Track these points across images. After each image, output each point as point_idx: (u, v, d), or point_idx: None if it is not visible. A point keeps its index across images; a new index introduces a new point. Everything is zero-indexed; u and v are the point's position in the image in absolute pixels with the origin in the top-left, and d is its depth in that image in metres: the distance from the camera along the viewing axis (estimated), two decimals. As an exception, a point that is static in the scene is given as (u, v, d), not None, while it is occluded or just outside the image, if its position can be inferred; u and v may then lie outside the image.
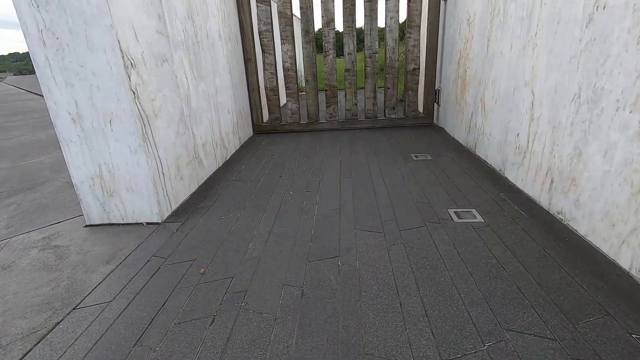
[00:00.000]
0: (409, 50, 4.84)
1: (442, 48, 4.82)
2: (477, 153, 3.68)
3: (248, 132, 5.05)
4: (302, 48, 4.99)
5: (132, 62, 2.32)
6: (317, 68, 5.05)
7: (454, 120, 4.40)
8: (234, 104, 4.41)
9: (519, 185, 2.81)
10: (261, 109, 5.23)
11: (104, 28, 2.16)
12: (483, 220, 2.37)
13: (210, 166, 3.56)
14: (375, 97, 5.09)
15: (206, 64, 3.55)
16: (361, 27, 4.92)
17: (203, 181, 3.38)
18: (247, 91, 5.01)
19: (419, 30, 4.74)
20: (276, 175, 3.48)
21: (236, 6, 4.62)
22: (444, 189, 2.91)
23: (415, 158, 3.74)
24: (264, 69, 4.97)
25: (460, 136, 4.22)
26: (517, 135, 2.82)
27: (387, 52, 4.87)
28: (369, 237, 2.26)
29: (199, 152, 3.30)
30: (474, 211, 2.51)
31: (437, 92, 5.04)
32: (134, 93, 2.33)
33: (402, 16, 5.07)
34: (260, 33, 4.78)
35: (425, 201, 2.72)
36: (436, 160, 3.65)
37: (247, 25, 4.72)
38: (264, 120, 5.39)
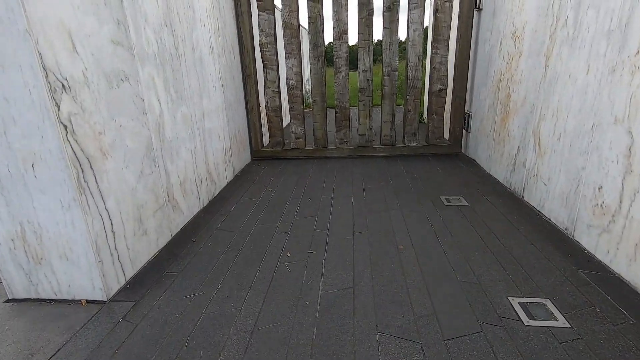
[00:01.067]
0: (434, 68, 4.14)
1: (475, 66, 4.10)
2: (526, 199, 2.92)
3: (245, 158, 4.36)
4: (310, 63, 4.31)
5: (65, 83, 1.64)
6: (327, 86, 4.36)
7: (490, 153, 3.65)
8: (227, 127, 3.72)
9: (603, 258, 2.04)
10: (261, 131, 4.55)
11: (17, 35, 1.48)
12: (568, 325, 1.60)
13: (190, 208, 2.85)
14: (393, 121, 4.37)
15: (190, 82, 2.88)
16: (379, 40, 4.23)
17: (179, 229, 2.66)
18: (245, 111, 4.33)
19: (447, 45, 4.04)
20: (271, 224, 2.74)
21: (234, 14, 3.98)
22: (495, 259, 2.14)
23: (447, 203, 2.99)
24: (265, 87, 4.30)
25: (499, 173, 3.46)
26: (599, 189, 2.06)
27: (409, 70, 4.17)
28: (397, 349, 1.51)
29: (174, 193, 2.59)
30: (549, 304, 1.73)
31: (467, 116, 4.31)
32: (65, 127, 1.64)
33: (427, 28, 4.39)
34: (261, 45, 4.12)
35: (473, 280, 1.95)
36: (474, 207, 2.89)
37: (246, 37, 4.07)
38: (265, 145, 4.70)
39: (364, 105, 4.32)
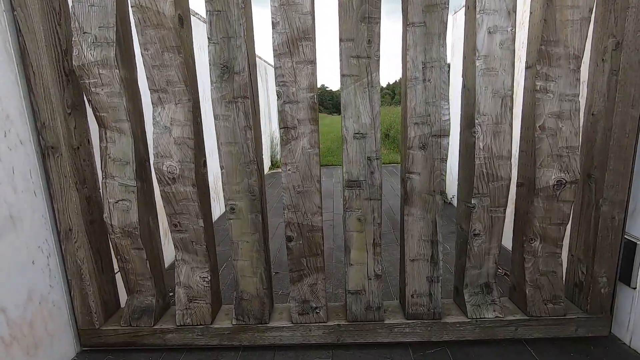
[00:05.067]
0: (542, 128, 1.58)
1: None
2: None
3: (61, 351, 1.61)
4: (220, 115, 1.67)
5: None
6: (259, 175, 1.80)
7: None
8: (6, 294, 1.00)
9: None
10: (100, 286, 1.83)
11: None
12: None
13: None
14: (434, 259, 1.72)
15: None
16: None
17: None
18: (53, 240, 1.65)
19: (576, 69, 1.53)
20: None
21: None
22: None
23: None
24: (105, 175, 1.66)
25: None
26: None
27: (479, 133, 1.59)
28: None
29: None
30: None
31: (628, 250, 1.69)
32: None
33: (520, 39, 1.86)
34: (82, 70, 1.54)
35: None
36: None
37: (37, 48, 1.50)
38: (111, 316, 1.96)
39: (361, 217, 1.68)
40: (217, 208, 4.17)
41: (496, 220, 1.66)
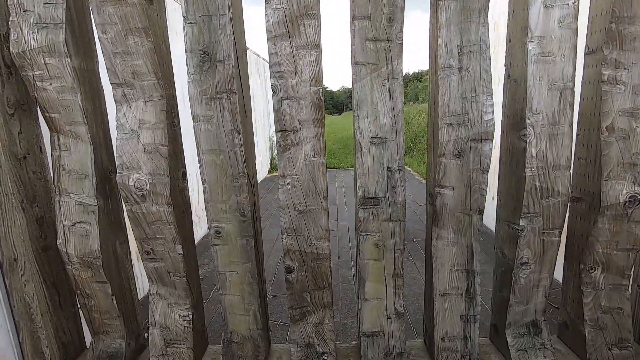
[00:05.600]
0: (613, 130, 1.25)
1: None
2: None
3: None
4: (195, 117, 1.32)
5: None
6: (253, 190, 1.48)
7: None
8: None
9: None
10: (57, 326, 1.50)
11: None
12: None
13: None
14: (470, 292, 1.38)
15: None
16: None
17: None
18: None
19: None
20: None
21: None
22: None
23: None
24: (58, 190, 1.33)
25: None
26: None
27: (533, 136, 1.25)
28: None
29: None
30: None
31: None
32: None
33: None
34: (22, 58, 1.21)
35: None
36: None
37: None
38: None
39: (379, 242, 1.35)
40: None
41: (549, 246, 1.32)
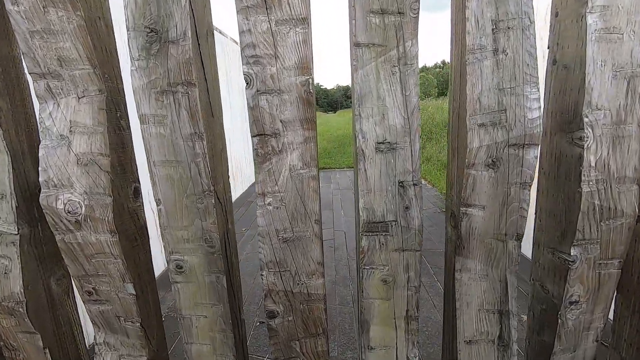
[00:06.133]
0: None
1: None
2: None
3: None
4: (148, 115, 1.01)
5: None
6: (225, 217, 1.31)
7: None
8: None
9: None
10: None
11: None
12: None
13: None
14: (504, 338, 1.08)
15: None
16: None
17: None
18: None
19: None
20: None
21: None
22: None
23: None
24: (-31, 216, 1.02)
25: None
26: None
27: (592, 149, 0.96)
28: None
29: None
30: None
31: None
32: None
33: None
34: None
35: None
36: None
37: None
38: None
39: (387, 278, 1.04)
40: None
41: (606, 279, 1.03)
